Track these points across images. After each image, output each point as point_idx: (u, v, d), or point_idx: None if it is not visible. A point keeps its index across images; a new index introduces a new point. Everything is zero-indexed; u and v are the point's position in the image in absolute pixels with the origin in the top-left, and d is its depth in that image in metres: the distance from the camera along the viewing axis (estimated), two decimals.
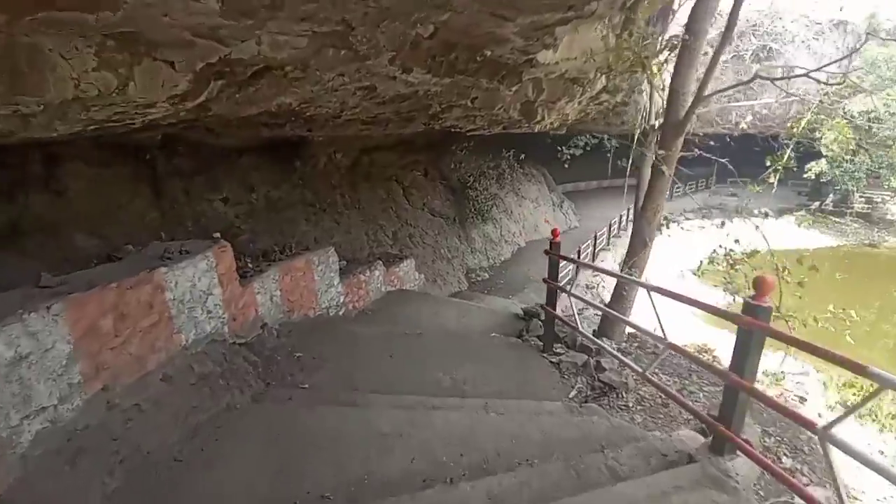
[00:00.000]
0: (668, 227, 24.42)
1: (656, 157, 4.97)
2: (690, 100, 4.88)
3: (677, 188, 27.80)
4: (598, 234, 15.57)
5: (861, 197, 25.32)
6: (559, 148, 7.61)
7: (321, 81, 3.68)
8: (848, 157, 22.59)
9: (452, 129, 7.75)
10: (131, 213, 5.68)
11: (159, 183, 6.14)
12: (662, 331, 2.80)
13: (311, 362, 4.39)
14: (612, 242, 16.91)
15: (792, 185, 30.80)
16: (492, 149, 15.82)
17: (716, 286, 18.17)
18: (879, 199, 24.81)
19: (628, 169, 16.00)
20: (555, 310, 4.54)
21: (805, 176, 25.14)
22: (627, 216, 19.95)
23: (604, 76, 6.63)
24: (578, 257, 12.70)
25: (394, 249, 10.31)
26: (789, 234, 25.81)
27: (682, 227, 25.71)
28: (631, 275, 5.07)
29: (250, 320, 4.63)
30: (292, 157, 9.49)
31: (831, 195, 26.86)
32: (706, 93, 4.68)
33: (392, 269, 8.46)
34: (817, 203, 27.56)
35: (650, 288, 2.88)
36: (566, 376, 4.20)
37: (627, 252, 5.43)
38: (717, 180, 32.03)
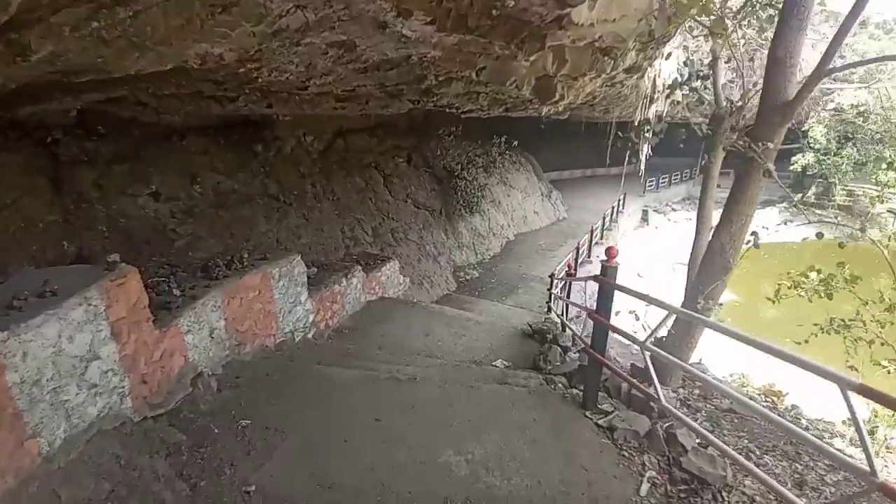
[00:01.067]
0: (647, 222, 23.46)
1: (753, 150, 3.78)
2: (798, 73, 3.72)
3: (663, 179, 27.17)
4: (594, 227, 14.50)
5: (843, 190, 25.19)
6: (619, 134, 6.43)
7: (267, 18, 2.29)
8: (834, 151, 22.35)
9: (447, 109, 6.41)
10: (20, 217, 4.16)
11: (61, 173, 4.61)
12: (869, 458, 1.60)
13: (264, 436, 3.07)
14: (605, 236, 15.93)
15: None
16: (480, 134, 14.50)
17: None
18: (861, 192, 24.68)
19: (626, 158, 15.03)
20: (604, 354, 3.32)
21: (791, 168, 24.91)
22: (619, 207, 19.00)
23: (636, 48, 5.39)
24: (577, 255, 11.62)
25: (374, 248, 8.95)
26: (772, 225, 25.66)
27: (669, 220, 25.23)
28: (709, 310, 3.92)
29: (174, 376, 3.26)
30: (252, 139, 7.97)
31: (813, 188, 26.73)
32: (829, 65, 3.46)
33: (373, 273, 7.14)
34: (799, 195, 27.44)
35: (812, 368, 1.65)
36: (626, 453, 3.02)
37: (699, 277, 4.20)
38: (700, 171, 31.58)
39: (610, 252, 3.10)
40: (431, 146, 12.60)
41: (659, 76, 14.00)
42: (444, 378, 4.03)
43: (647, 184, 24.87)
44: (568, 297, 6.21)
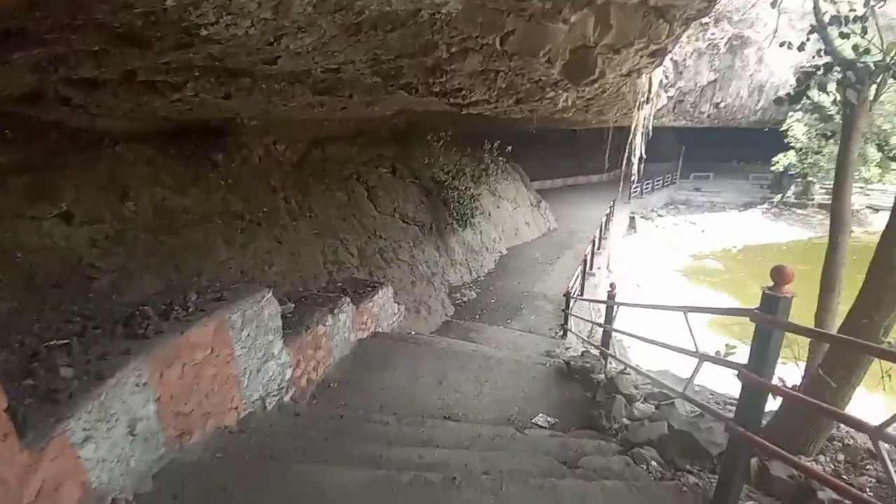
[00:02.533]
0: (634, 229, 22.75)
1: None
2: None
3: (647, 185, 26.65)
4: (594, 237, 13.51)
5: (822, 188, 25.16)
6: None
7: None
8: (815, 149, 22.23)
9: (450, 99, 5.22)
10: None
11: None
12: None
13: None
14: (603, 246, 14.98)
15: (753, 179, 30.77)
16: (467, 140, 13.42)
17: (711, 289, 16.63)
18: None
19: (623, 161, 14.19)
20: (759, 430, 2.10)
21: (773, 169, 24.80)
22: (609, 216, 18.14)
23: (689, 13, 4.31)
24: (585, 268, 10.55)
25: (361, 272, 7.63)
26: (758, 227, 25.38)
27: (656, 226, 24.68)
28: None
29: None
30: (211, 148, 6.61)
31: (793, 187, 26.73)
32: None
33: (363, 304, 5.83)
34: (779, 196, 27.42)
35: None
36: None
37: (863, 302, 2.87)
38: (680, 175, 31.41)
39: (783, 274, 1.89)
40: (417, 155, 11.41)
41: (655, 75, 13.28)
42: (490, 467, 2.75)
43: (632, 190, 24.26)
44: (609, 323, 5.01)
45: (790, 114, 22.63)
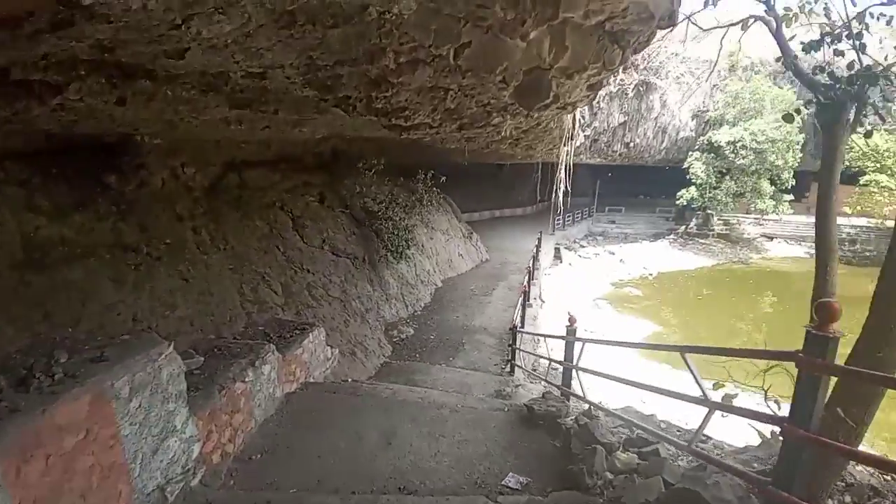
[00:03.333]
0: (560, 259, 23.56)
1: None
2: None
3: (568, 217, 27.93)
4: (529, 267, 13.55)
5: (719, 220, 27.97)
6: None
7: None
8: (713, 185, 24.76)
9: (391, 120, 4.75)
10: None
11: None
12: None
13: None
14: (535, 276, 15.11)
15: (660, 212, 33.57)
16: (399, 171, 13.05)
17: (633, 315, 17.35)
18: (735, 221, 27.58)
19: (553, 194, 14.58)
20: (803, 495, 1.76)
21: (677, 203, 27.28)
22: (538, 247, 18.52)
23: (637, 41, 4.29)
24: (526, 297, 10.38)
25: (287, 312, 6.73)
26: (668, 256, 27.50)
27: (579, 256, 25.78)
28: None
29: None
30: (102, 169, 5.55)
31: (694, 219, 29.47)
32: None
33: (291, 351, 5.02)
34: (683, 227, 30.12)
35: None
36: None
37: (871, 334, 2.68)
38: (596, 209, 33.46)
39: (830, 311, 1.59)
40: (347, 183, 10.77)
41: (577, 114, 13.95)
42: None
43: (555, 222, 25.28)
44: (569, 360, 4.67)
45: (690, 153, 25.24)
